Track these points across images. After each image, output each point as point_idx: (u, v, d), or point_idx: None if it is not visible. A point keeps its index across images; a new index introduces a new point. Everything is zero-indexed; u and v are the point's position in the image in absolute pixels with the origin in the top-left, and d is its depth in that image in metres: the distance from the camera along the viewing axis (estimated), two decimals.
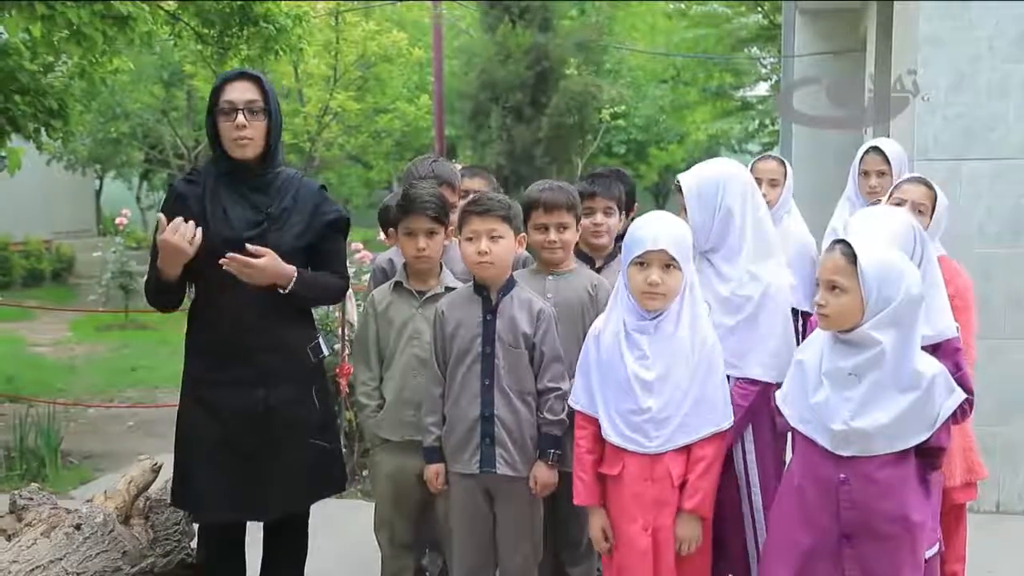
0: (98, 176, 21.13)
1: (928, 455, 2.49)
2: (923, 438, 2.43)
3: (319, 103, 13.58)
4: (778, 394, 2.64)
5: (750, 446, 2.86)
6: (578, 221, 3.20)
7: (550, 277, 3.19)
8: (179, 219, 2.93)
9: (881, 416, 2.40)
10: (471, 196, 3.15)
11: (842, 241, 2.48)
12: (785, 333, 2.85)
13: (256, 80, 3.04)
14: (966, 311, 3.26)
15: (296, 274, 3.00)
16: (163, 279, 2.98)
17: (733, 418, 2.73)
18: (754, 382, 2.79)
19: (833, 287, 2.44)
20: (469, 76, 12.52)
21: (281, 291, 2.99)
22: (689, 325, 2.70)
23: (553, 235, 3.13)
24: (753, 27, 17.25)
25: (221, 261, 2.88)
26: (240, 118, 2.95)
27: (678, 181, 2.94)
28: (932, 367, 2.45)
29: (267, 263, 2.92)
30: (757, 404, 2.81)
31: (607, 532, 2.77)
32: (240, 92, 2.98)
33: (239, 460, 3.00)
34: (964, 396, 2.50)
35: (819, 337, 2.56)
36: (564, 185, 3.23)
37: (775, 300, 2.83)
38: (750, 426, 2.85)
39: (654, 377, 2.66)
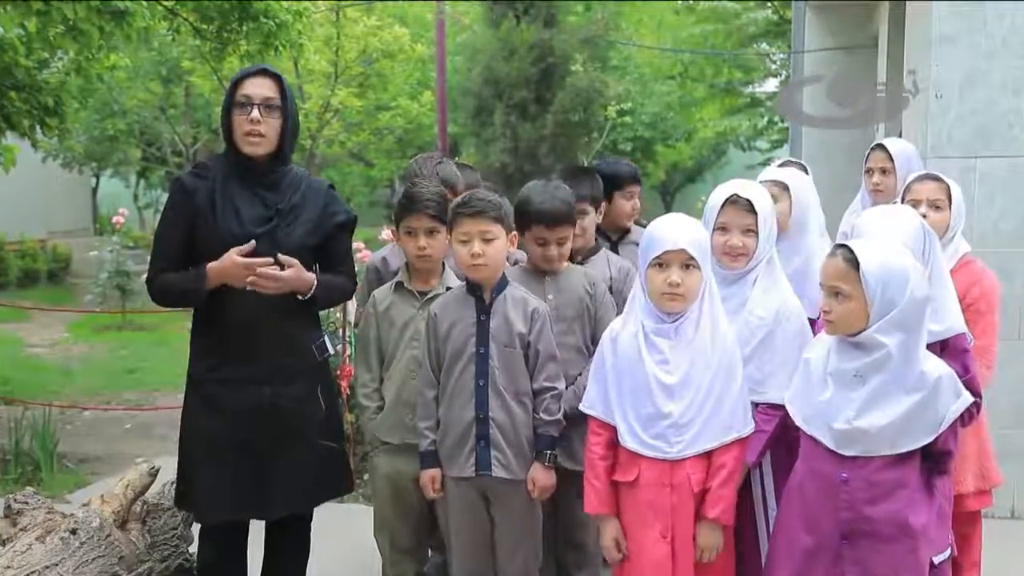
0: (94, 174, 21.04)
1: (935, 459, 2.46)
2: (926, 441, 2.40)
3: (320, 100, 13.50)
4: (786, 393, 2.61)
5: (767, 468, 2.81)
6: (573, 225, 3.18)
7: (548, 279, 3.16)
8: (265, 260, 2.89)
9: (883, 416, 2.38)
10: (461, 196, 3.09)
11: (843, 246, 2.46)
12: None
13: (276, 78, 3.04)
14: (990, 313, 3.23)
15: (316, 281, 3.00)
16: (203, 292, 2.93)
17: (757, 445, 2.69)
18: (776, 407, 2.72)
19: (836, 293, 2.43)
20: (473, 72, 12.47)
21: (300, 297, 2.99)
22: (710, 328, 2.65)
23: (553, 250, 3.11)
24: (762, 23, 17.14)
25: (248, 280, 2.87)
26: (255, 113, 2.95)
27: (748, 200, 2.77)
28: (938, 368, 2.43)
29: (292, 275, 2.93)
30: (778, 428, 2.75)
31: (620, 542, 2.70)
32: (257, 88, 2.99)
33: (245, 458, 2.99)
34: (971, 400, 2.47)
35: (826, 337, 2.54)
36: (563, 193, 3.17)
37: (789, 322, 2.77)
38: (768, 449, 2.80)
39: (675, 381, 2.61)
